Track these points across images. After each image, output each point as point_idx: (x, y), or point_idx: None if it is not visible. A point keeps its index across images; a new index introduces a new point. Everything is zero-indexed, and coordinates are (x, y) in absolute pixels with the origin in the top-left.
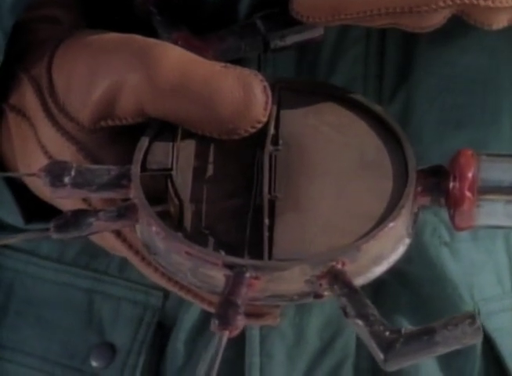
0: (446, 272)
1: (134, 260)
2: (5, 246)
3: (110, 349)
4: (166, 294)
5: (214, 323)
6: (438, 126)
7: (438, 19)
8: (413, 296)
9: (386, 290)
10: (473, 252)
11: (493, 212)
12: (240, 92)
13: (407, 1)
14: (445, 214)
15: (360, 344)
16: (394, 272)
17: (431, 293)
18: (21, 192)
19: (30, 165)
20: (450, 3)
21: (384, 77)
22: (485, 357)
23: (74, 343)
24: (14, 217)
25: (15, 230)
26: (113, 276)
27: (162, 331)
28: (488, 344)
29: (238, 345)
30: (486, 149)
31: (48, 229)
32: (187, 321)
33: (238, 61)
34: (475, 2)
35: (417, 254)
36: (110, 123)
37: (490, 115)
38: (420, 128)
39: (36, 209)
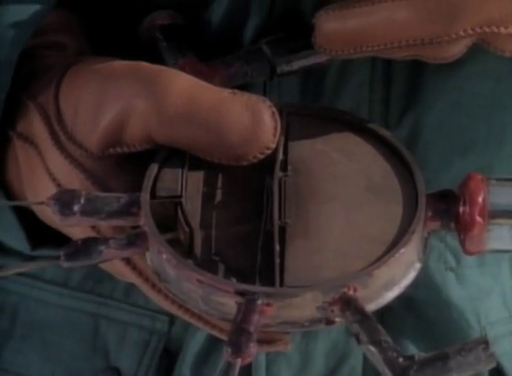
0: (452, 297)
1: (144, 287)
2: None
3: (116, 374)
4: (172, 319)
5: (227, 351)
6: (445, 151)
7: (459, 49)
8: (420, 321)
9: (392, 315)
10: (479, 277)
11: (500, 236)
12: (249, 118)
13: (428, 33)
14: (451, 240)
15: (366, 369)
16: (401, 297)
17: (437, 318)
18: (27, 218)
19: (38, 193)
20: (471, 32)
21: (390, 102)
22: None
23: (79, 367)
24: (20, 243)
25: (19, 255)
26: (119, 301)
27: (168, 356)
28: (496, 368)
29: (245, 370)
30: (491, 174)
31: (58, 257)
32: (193, 346)
33: (243, 86)
34: (496, 30)
35: (423, 279)
36: (118, 150)
37: (495, 140)
38: (426, 153)
39: (41, 234)
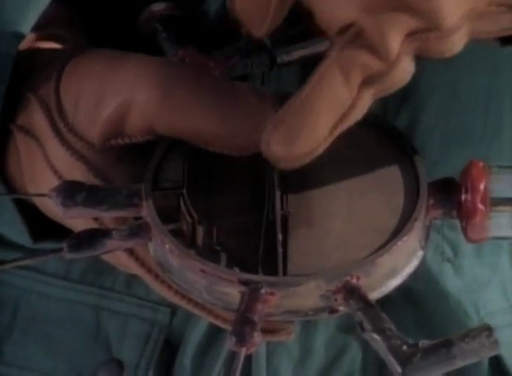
0: (448, 288)
1: (147, 278)
2: None
3: (118, 366)
4: (173, 310)
5: (231, 341)
6: (442, 143)
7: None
8: (419, 312)
9: (391, 306)
10: (477, 268)
11: (500, 224)
12: (250, 109)
13: None
14: (448, 231)
15: (366, 360)
16: (400, 288)
17: (436, 309)
18: (28, 211)
19: (40, 185)
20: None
21: (388, 95)
22: (492, 373)
23: (81, 360)
24: (21, 236)
25: (20, 248)
26: (120, 293)
27: (169, 348)
28: (495, 359)
29: (245, 361)
30: None
31: (61, 249)
32: (194, 337)
33: (242, 76)
34: None
35: (420, 270)
36: (120, 141)
37: (492, 132)
38: (424, 145)
39: (43, 228)
